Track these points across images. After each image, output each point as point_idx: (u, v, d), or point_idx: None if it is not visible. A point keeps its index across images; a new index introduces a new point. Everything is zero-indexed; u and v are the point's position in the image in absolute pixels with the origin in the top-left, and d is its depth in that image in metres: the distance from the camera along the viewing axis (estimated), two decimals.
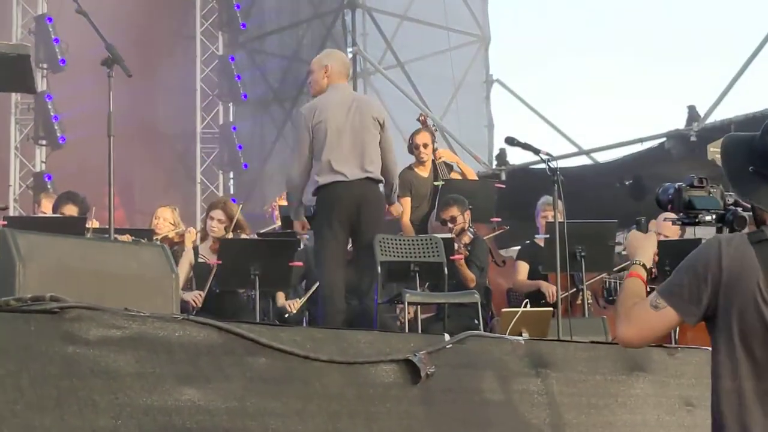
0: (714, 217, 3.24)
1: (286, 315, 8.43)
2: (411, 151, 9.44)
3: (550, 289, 8.50)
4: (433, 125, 9.93)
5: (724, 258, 2.91)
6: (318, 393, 4.07)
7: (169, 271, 5.07)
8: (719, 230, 3.23)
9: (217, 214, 8.49)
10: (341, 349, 4.22)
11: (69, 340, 3.55)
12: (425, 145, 9.33)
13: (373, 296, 7.38)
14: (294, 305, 8.37)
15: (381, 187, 7.47)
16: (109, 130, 5.89)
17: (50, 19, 14.02)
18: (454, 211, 8.63)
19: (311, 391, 4.06)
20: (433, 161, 9.44)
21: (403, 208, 9.07)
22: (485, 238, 9.29)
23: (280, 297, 8.53)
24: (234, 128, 16.13)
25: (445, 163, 9.55)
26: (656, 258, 3.28)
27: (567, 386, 4.93)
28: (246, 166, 15.92)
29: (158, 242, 8.94)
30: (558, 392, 4.86)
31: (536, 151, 7.47)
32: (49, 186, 13.44)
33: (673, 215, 3.35)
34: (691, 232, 10.22)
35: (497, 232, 9.69)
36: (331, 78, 7.41)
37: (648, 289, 3.18)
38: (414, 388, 4.33)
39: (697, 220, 3.25)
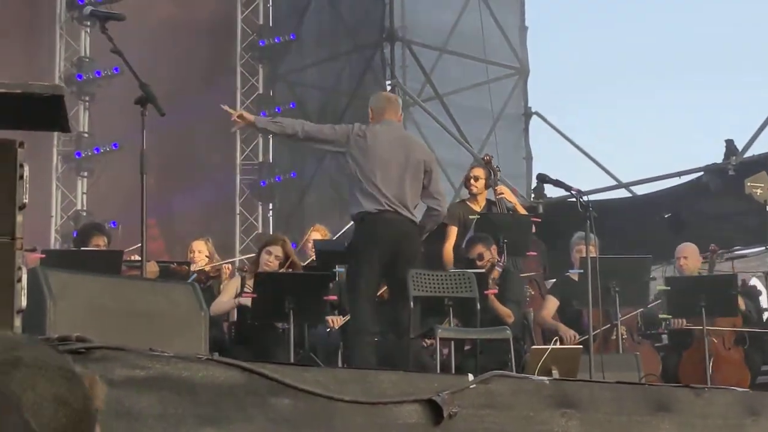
0: None
1: (328, 330, 8.46)
2: (466, 185, 9.60)
3: (567, 333, 8.53)
4: (497, 165, 9.98)
5: None
6: None
7: (198, 308, 5.13)
8: None
9: (276, 250, 8.44)
10: (365, 389, 4.24)
11: None
12: (476, 178, 9.44)
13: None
14: (337, 322, 8.40)
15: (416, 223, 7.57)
16: (142, 167, 5.92)
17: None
18: (480, 248, 8.66)
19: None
20: (489, 200, 9.52)
21: (448, 237, 9.19)
22: (525, 274, 9.31)
23: None
24: (294, 174, 16.16)
25: (505, 204, 9.61)
26: None
27: (592, 427, 4.92)
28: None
29: (194, 276, 9.04)
30: None
31: (568, 188, 7.53)
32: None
33: None
34: (722, 267, 10.20)
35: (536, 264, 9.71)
36: (376, 118, 7.65)
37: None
38: (436, 429, 4.35)
39: None
